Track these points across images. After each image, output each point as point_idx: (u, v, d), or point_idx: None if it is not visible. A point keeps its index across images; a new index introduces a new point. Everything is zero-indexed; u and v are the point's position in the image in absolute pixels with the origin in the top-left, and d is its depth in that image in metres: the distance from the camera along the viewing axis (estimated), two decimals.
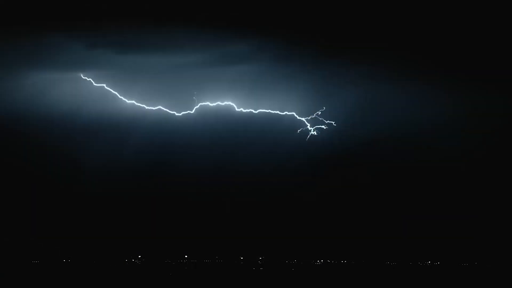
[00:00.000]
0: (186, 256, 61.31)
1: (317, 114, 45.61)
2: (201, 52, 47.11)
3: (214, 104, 45.84)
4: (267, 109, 46.45)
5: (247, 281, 38.55)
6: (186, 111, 45.96)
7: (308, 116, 46.80)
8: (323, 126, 46.69)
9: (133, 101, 45.55)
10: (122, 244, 54.42)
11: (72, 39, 46.14)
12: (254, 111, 46.25)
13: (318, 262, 64.25)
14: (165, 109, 45.71)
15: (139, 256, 60.40)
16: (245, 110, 46.10)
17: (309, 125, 46.85)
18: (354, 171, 50.52)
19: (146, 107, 45.64)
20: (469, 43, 47.63)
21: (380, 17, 46.89)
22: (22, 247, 52.90)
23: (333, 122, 46.52)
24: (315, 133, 46.41)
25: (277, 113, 46.49)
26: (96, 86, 45.03)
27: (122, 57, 47.10)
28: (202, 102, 45.92)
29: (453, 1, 46.82)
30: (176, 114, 45.93)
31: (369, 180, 50.55)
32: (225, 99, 45.94)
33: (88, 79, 44.82)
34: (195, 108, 45.81)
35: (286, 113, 46.59)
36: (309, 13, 47.16)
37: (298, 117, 46.76)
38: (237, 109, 45.96)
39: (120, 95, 45.37)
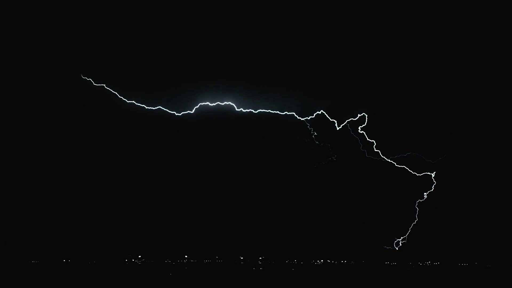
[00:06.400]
0: (186, 256, 61.38)
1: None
2: None
3: (214, 104, 45.82)
4: (267, 109, 46.45)
5: (247, 281, 38.50)
6: (186, 111, 45.94)
7: (308, 116, 46.90)
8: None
9: (133, 101, 45.52)
10: (122, 244, 54.45)
11: None
12: (254, 111, 46.23)
13: (318, 262, 64.32)
14: (165, 109, 45.67)
15: (139, 256, 60.44)
16: (245, 110, 46.07)
17: (309, 125, 46.89)
18: (355, 171, 50.53)
19: (146, 107, 45.60)
20: None
21: None
22: (22, 247, 52.96)
23: (335, 121, 46.58)
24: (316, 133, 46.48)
25: (277, 113, 46.48)
26: (96, 86, 44.98)
27: None
28: (202, 102, 45.92)
29: None
30: (176, 114, 45.89)
31: (370, 180, 50.63)
32: (225, 99, 45.94)
33: (88, 79, 44.77)
34: (195, 108, 45.81)
35: (286, 113, 46.58)
36: None
37: (298, 117, 46.79)
38: (237, 109, 45.94)
39: (120, 95, 45.35)
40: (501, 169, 51.88)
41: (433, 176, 48.40)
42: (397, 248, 49.63)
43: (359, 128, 47.04)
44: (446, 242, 51.03)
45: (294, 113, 46.66)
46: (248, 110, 46.13)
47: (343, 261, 63.77)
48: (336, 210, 52.18)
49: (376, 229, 51.21)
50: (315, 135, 46.99)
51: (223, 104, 45.91)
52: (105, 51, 48.00)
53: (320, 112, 46.84)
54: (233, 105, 45.92)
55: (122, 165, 50.86)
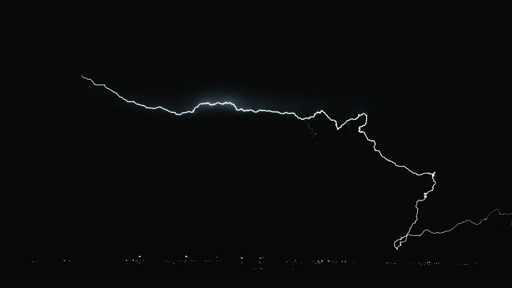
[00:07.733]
0: (186, 256, 61.40)
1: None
2: None
3: (214, 104, 45.81)
4: (267, 109, 46.44)
5: (247, 281, 38.52)
6: (186, 111, 45.93)
7: (308, 116, 46.89)
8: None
9: (133, 101, 45.52)
10: (122, 244, 54.46)
11: None
12: (254, 111, 46.23)
13: (318, 262, 64.34)
14: (165, 109, 45.66)
15: (139, 256, 60.45)
16: (245, 110, 46.07)
17: (309, 125, 46.88)
18: (355, 171, 50.54)
19: (146, 107, 45.59)
20: None
21: None
22: (21, 247, 52.97)
23: (335, 121, 46.59)
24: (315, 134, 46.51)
25: (277, 113, 46.47)
26: (96, 86, 44.97)
27: None
28: (202, 102, 45.91)
29: None
30: (176, 114, 45.88)
31: (370, 180, 50.65)
32: (225, 99, 45.93)
33: (88, 79, 44.75)
34: (195, 108, 45.80)
35: (286, 113, 46.57)
36: None
37: (298, 117, 46.78)
38: (237, 109, 45.93)
39: (120, 95, 45.34)
40: (501, 169, 51.96)
41: (433, 176, 48.42)
42: (397, 248, 49.66)
43: (359, 128, 47.06)
44: (446, 242, 51.03)
45: (294, 113, 46.67)
46: (248, 110, 46.13)
47: (343, 261, 63.79)
48: (336, 210, 52.22)
49: (376, 229, 51.26)
50: (315, 135, 47.01)
51: (223, 104, 45.90)
52: (105, 51, 48.02)
53: (320, 112, 46.83)
54: (233, 105, 45.92)
55: (122, 165, 50.87)
